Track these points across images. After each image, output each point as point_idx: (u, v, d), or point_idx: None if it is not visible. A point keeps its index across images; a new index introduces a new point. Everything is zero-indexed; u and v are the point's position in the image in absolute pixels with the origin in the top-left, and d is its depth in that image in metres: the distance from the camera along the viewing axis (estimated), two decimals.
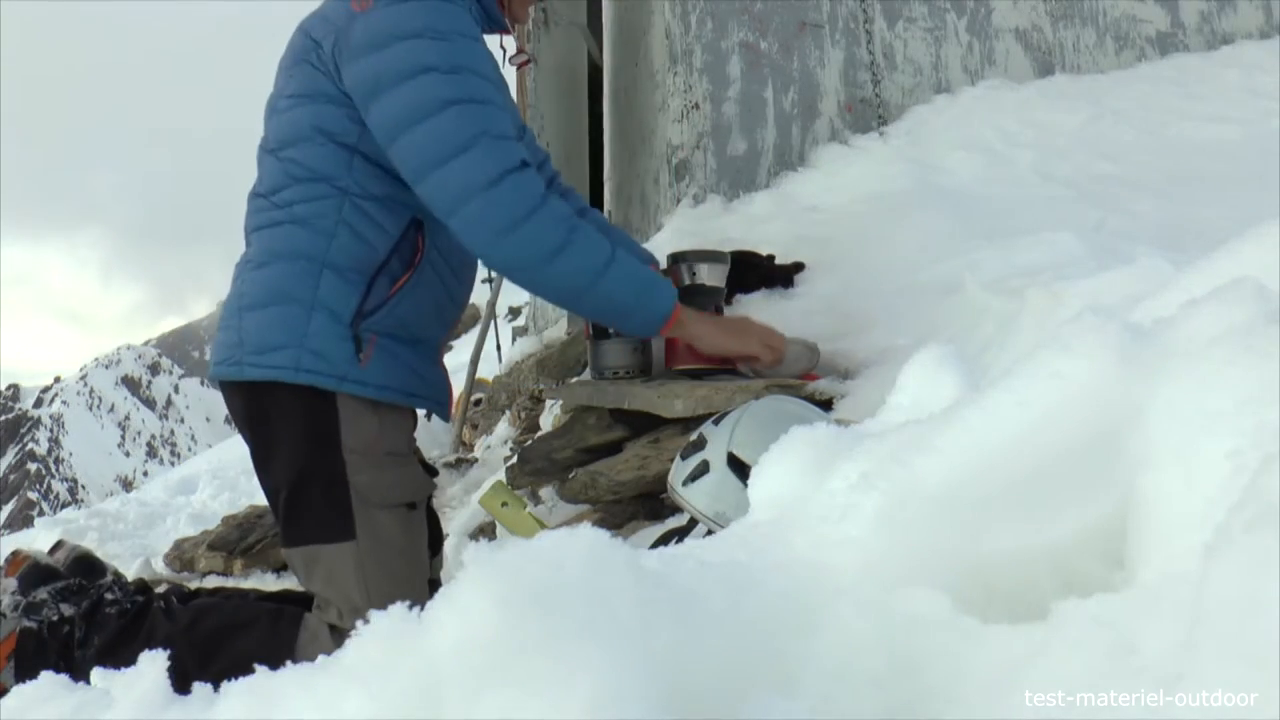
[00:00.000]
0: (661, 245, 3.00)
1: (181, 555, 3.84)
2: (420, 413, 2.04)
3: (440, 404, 2.01)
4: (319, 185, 1.84)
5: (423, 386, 1.94)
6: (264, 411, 1.84)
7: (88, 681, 0.97)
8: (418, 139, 1.72)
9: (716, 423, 1.61)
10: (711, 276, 2.27)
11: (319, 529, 1.81)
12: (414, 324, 1.91)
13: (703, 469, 1.56)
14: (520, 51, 2.15)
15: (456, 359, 4.74)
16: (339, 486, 1.80)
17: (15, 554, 1.86)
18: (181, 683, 0.95)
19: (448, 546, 2.55)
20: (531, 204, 1.71)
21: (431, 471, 2.05)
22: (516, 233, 1.70)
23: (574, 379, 3.03)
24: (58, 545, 1.92)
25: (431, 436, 4.54)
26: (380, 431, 1.86)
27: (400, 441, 1.92)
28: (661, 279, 1.90)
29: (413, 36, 1.74)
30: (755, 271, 2.58)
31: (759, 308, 2.51)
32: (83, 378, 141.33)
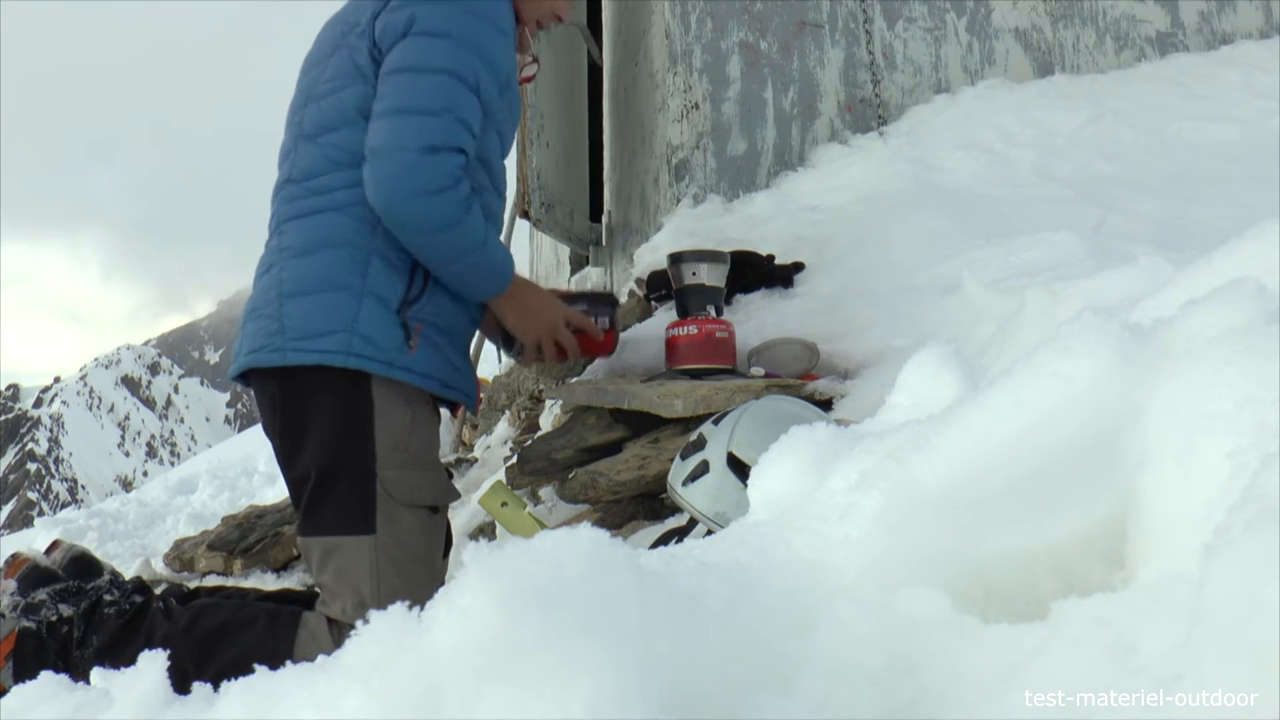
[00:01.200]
0: (661, 245, 3.00)
1: (181, 555, 3.84)
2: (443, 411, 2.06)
3: (471, 397, 2.03)
4: (360, 170, 1.86)
5: (458, 379, 1.96)
6: (299, 399, 1.85)
7: (86, 681, 0.97)
8: (401, 83, 1.83)
9: (716, 423, 1.61)
10: (711, 276, 2.27)
11: (340, 521, 1.81)
12: (450, 311, 1.93)
13: (702, 469, 1.56)
14: (534, 61, 2.19)
15: None
16: (366, 480, 1.81)
17: (15, 556, 1.85)
18: (180, 682, 0.95)
19: None
20: (449, 181, 1.81)
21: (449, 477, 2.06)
22: (424, 200, 1.80)
23: (574, 379, 3.03)
24: (54, 545, 1.91)
25: None
26: (413, 427, 1.87)
27: (430, 440, 1.93)
28: (507, 264, 1.97)
29: (450, 3, 1.86)
30: (755, 271, 2.58)
31: (758, 307, 2.51)
32: (82, 378, 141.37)
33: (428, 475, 1.89)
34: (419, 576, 1.84)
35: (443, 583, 2.00)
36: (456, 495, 2.01)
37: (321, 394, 1.82)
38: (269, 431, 1.92)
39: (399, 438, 1.84)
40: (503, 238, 3.37)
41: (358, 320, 1.81)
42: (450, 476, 2.11)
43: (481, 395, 5.41)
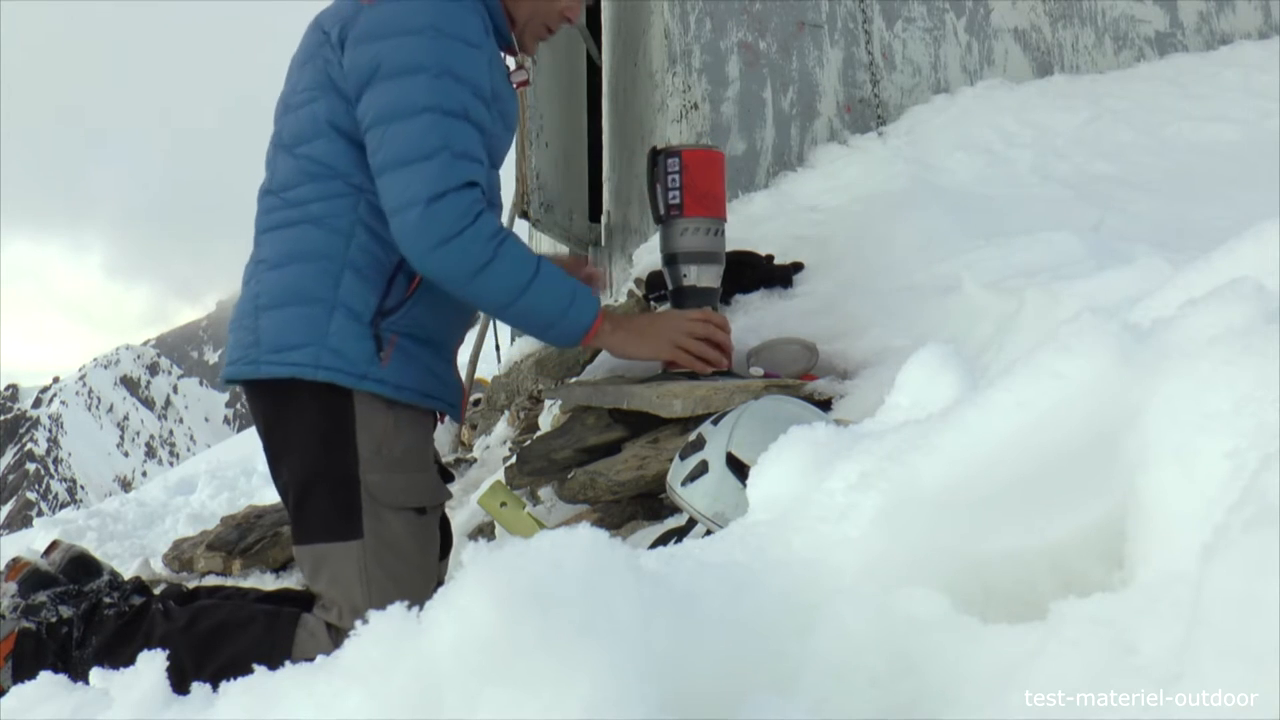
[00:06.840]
0: (659, 245, 3.00)
1: (180, 555, 3.83)
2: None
3: (454, 406, 2.02)
4: (335, 182, 1.85)
5: (439, 388, 1.95)
6: (280, 410, 1.86)
7: (86, 681, 0.97)
8: (390, 135, 1.78)
9: (715, 423, 1.61)
10: (704, 278, 2.26)
11: (327, 529, 1.82)
12: (431, 324, 1.92)
13: (701, 469, 1.56)
14: (520, 69, 2.14)
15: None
16: (349, 485, 1.81)
17: (16, 560, 1.86)
18: (179, 682, 0.95)
19: None
20: (463, 222, 1.76)
21: (448, 477, 2.05)
22: (445, 248, 1.76)
23: (573, 379, 3.03)
24: (53, 545, 1.91)
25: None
26: (395, 430, 1.86)
27: (416, 442, 1.92)
28: (585, 291, 1.92)
29: (414, 33, 1.78)
30: (753, 271, 2.58)
31: (757, 307, 2.51)
32: (81, 378, 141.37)
33: (414, 477, 1.89)
34: (411, 579, 1.84)
35: (441, 583, 2.00)
36: (447, 495, 2.00)
37: (300, 402, 1.83)
38: (260, 436, 1.94)
39: (382, 441, 1.84)
40: None
41: (328, 334, 1.81)
42: (451, 479, 2.11)
43: (481, 396, 5.40)
